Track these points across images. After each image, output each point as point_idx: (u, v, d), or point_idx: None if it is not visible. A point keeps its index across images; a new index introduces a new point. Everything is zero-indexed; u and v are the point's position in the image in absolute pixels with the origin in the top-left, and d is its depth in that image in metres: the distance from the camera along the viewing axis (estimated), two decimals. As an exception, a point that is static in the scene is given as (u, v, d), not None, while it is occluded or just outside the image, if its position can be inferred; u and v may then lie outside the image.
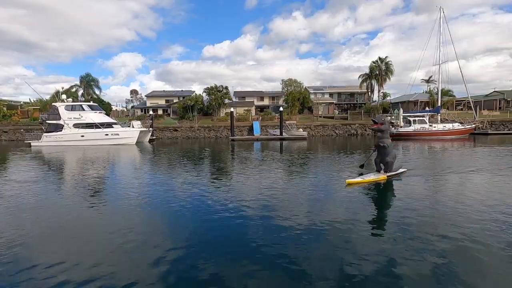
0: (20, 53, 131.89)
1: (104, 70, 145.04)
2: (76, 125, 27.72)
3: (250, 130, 36.10)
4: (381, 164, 9.47)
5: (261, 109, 53.02)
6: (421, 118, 29.52)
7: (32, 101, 49.76)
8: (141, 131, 28.64)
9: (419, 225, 5.25)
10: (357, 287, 3.40)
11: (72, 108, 28.51)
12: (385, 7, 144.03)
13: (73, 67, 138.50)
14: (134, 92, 75.96)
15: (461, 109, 43.42)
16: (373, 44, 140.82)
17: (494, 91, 51.94)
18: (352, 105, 56.50)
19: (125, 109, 68.93)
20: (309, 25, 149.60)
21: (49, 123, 28.85)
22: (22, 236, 5.07)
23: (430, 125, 29.07)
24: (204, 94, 47.83)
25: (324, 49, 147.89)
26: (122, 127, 29.24)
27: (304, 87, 51.58)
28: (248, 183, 9.40)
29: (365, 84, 50.10)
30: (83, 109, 28.74)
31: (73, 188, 9.28)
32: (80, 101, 34.28)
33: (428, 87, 57.57)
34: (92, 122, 27.93)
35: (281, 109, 34.50)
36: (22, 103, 52.10)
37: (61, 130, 27.79)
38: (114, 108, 59.90)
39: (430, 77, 54.73)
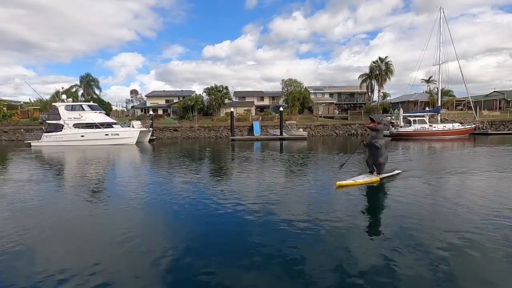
0: (20, 53, 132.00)
1: (104, 70, 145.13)
2: (76, 125, 27.73)
3: (250, 130, 36.11)
4: (374, 166, 9.05)
5: (261, 109, 53.05)
6: (421, 118, 29.51)
7: (32, 101, 49.86)
8: (141, 131, 28.64)
9: (414, 228, 5.19)
10: None
11: (72, 108, 28.52)
12: (385, 7, 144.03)
13: (73, 67, 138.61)
14: (134, 92, 76.01)
15: (461, 109, 43.41)
16: (373, 44, 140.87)
17: (494, 91, 51.94)
18: (352, 105, 56.52)
19: (125, 109, 68.96)
20: (309, 25, 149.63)
21: (49, 123, 28.87)
22: (22, 236, 5.07)
23: (430, 125, 29.06)
24: (204, 94, 47.89)
25: (324, 49, 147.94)
26: (122, 127, 29.26)
27: (304, 87, 51.57)
28: (248, 183, 9.40)
29: (365, 84, 50.16)
30: (83, 109, 28.75)
31: (73, 188, 9.27)
32: (80, 101, 34.27)
33: (428, 87, 57.64)
34: (92, 122, 27.93)
35: (281, 109, 34.51)
36: (22, 103, 52.14)
37: (61, 130, 27.80)
38: (114, 108, 59.92)
39: (430, 77, 54.78)
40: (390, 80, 48.05)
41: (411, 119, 29.86)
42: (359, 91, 55.07)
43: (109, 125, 28.59)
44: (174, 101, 54.24)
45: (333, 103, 54.80)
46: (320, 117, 43.51)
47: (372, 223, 5.69)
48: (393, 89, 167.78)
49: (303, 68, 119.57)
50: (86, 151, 21.62)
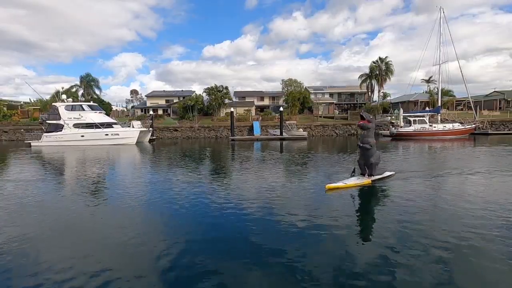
0: (20, 53, 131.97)
1: (104, 70, 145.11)
2: (76, 125, 27.74)
3: (250, 130, 36.11)
4: (365, 166, 8.73)
5: (261, 109, 53.02)
6: (421, 118, 29.52)
7: (32, 101, 49.83)
8: (141, 131, 28.65)
9: (409, 233, 5.12)
10: None
11: (72, 108, 28.54)
12: (385, 7, 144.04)
13: (73, 67, 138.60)
14: (134, 92, 75.96)
15: (461, 109, 43.40)
16: (373, 44, 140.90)
17: (494, 91, 51.92)
18: (352, 105, 56.48)
19: (125, 109, 68.93)
20: (309, 25, 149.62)
21: (49, 123, 28.88)
22: (22, 236, 5.07)
23: (430, 125, 29.07)
24: (204, 94, 47.83)
25: (324, 49, 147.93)
26: (122, 127, 29.27)
27: (304, 87, 51.56)
28: (247, 183, 9.41)
29: (365, 84, 50.12)
30: (83, 109, 28.77)
31: (73, 188, 9.29)
32: (80, 101, 34.31)
33: (428, 87, 57.58)
34: (92, 122, 27.95)
35: (281, 109, 34.51)
36: (22, 103, 52.13)
37: (61, 130, 27.81)
38: (114, 108, 59.90)
39: (430, 77, 54.76)
40: (390, 80, 48.06)
41: (411, 119, 29.87)
42: (359, 91, 55.02)
43: (109, 125, 28.60)
44: (174, 101, 54.22)
45: (333, 103, 54.77)
46: (320, 117, 43.49)
47: (366, 226, 5.70)
48: (393, 89, 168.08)
49: (303, 68, 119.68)
50: (86, 151, 21.63)
